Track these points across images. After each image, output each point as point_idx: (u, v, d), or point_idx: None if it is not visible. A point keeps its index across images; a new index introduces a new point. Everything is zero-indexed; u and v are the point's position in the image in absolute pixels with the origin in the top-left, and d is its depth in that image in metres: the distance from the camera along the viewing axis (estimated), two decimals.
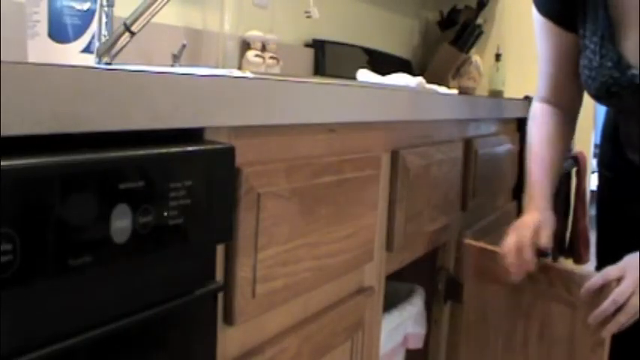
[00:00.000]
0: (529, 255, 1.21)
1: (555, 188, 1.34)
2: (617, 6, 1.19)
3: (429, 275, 1.52)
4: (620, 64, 1.18)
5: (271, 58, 1.76)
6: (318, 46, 2.11)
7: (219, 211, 0.65)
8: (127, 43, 1.26)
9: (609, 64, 1.19)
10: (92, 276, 0.54)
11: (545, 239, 1.21)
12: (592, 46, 1.21)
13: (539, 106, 1.38)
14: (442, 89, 1.51)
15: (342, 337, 0.98)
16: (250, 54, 1.72)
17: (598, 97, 1.26)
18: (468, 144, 1.52)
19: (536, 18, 1.31)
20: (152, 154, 0.57)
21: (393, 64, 2.51)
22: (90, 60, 0.80)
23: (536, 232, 1.21)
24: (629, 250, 1.43)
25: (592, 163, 3.07)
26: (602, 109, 1.61)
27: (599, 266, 1.54)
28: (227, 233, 0.68)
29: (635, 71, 1.17)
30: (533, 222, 1.22)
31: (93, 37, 0.80)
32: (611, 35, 1.19)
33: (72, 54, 0.78)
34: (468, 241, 1.43)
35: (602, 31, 1.19)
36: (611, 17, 1.19)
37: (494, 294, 1.38)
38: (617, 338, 1.31)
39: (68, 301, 0.52)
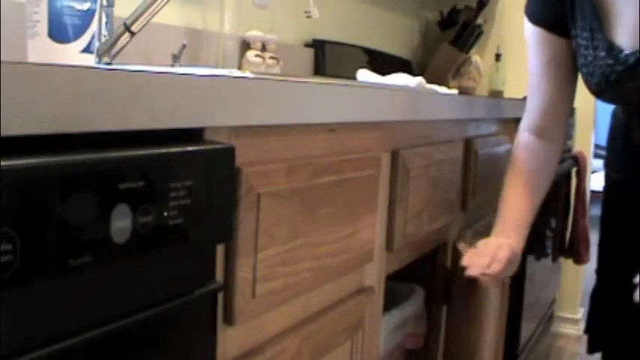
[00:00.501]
0: (487, 259, 1.19)
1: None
2: None
3: (429, 275, 1.52)
4: (613, 49, 1.18)
5: (271, 58, 1.76)
6: (318, 46, 2.11)
7: (219, 211, 0.65)
8: (127, 43, 1.26)
9: (602, 53, 1.19)
10: (92, 276, 0.54)
11: (498, 264, 1.19)
12: (584, 42, 1.22)
13: (525, 137, 1.34)
14: (442, 89, 1.51)
15: (342, 337, 0.98)
16: (250, 54, 1.72)
17: (600, 92, 1.25)
18: (468, 144, 1.52)
19: (528, 29, 1.31)
20: (152, 154, 0.57)
21: (393, 64, 2.51)
22: (90, 60, 0.80)
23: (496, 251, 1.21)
24: (633, 251, 1.43)
25: (592, 163, 3.07)
26: (603, 110, 1.61)
27: (600, 267, 1.54)
28: (227, 233, 0.68)
29: (627, 51, 1.17)
30: (498, 242, 1.23)
31: (93, 37, 0.80)
32: (600, 27, 1.19)
33: (72, 54, 0.78)
34: (461, 244, 1.42)
35: (590, 24, 1.20)
36: (597, 9, 1.19)
37: (471, 296, 1.39)
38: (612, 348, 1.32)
39: (68, 301, 0.52)
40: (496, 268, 1.18)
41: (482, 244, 1.25)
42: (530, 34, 1.30)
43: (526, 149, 1.33)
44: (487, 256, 1.19)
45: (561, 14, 1.25)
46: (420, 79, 1.46)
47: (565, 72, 1.30)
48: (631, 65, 1.16)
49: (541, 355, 2.48)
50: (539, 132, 1.33)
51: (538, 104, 1.33)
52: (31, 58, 0.77)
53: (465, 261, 1.21)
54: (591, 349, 1.57)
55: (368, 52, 2.35)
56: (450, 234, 1.47)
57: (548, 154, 1.35)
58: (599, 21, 1.19)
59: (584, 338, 2.94)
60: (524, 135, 1.35)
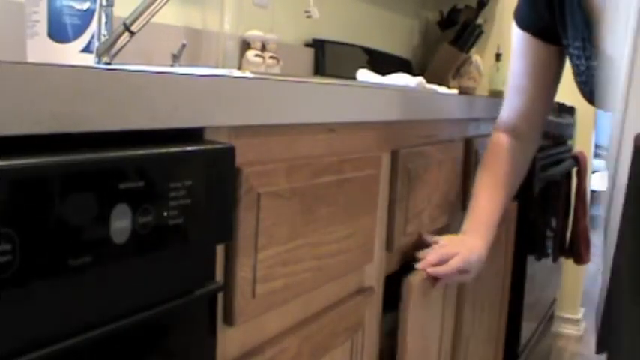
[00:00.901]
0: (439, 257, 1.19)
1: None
2: (591, 7, 1.18)
3: None
4: None
5: (271, 57, 1.76)
6: (318, 46, 2.11)
7: (219, 211, 0.65)
8: (127, 42, 1.26)
9: (595, 63, 1.19)
10: (92, 276, 0.54)
11: (447, 268, 1.19)
12: (576, 51, 1.21)
13: (502, 137, 1.34)
14: (442, 89, 1.51)
15: (343, 337, 0.98)
16: (250, 54, 1.72)
17: (594, 101, 1.26)
18: (467, 144, 1.52)
19: (515, 33, 1.30)
20: (152, 154, 0.57)
21: (393, 64, 2.51)
22: (90, 60, 0.80)
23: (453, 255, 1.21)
24: None
25: (592, 163, 3.07)
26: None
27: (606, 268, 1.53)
28: (227, 233, 0.68)
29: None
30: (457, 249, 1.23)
31: (92, 37, 0.80)
32: (591, 36, 1.19)
33: (71, 54, 0.78)
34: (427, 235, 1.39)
35: (582, 34, 1.20)
36: (588, 19, 1.19)
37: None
38: None
39: (68, 301, 0.52)
40: (442, 270, 1.18)
41: (446, 239, 1.25)
42: (517, 36, 1.30)
43: (502, 149, 1.33)
44: (440, 256, 1.19)
45: (550, 22, 1.24)
46: (420, 79, 1.45)
47: (548, 77, 1.29)
48: None
49: (541, 355, 2.48)
50: (516, 133, 1.33)
51: (518, 105, 1.32)
52: (31, 58, 0.77)
53: (421, 254, 1.21)
54: (599, 350, 1.56)
55: (368, 52, 2.35)
56: (450, 233, 1.47)
57: (522, 155, 1.34)
58: (590, 31, 1.19)
59: (585, 338, 2.94)
60: (500, 134, 1.35)
